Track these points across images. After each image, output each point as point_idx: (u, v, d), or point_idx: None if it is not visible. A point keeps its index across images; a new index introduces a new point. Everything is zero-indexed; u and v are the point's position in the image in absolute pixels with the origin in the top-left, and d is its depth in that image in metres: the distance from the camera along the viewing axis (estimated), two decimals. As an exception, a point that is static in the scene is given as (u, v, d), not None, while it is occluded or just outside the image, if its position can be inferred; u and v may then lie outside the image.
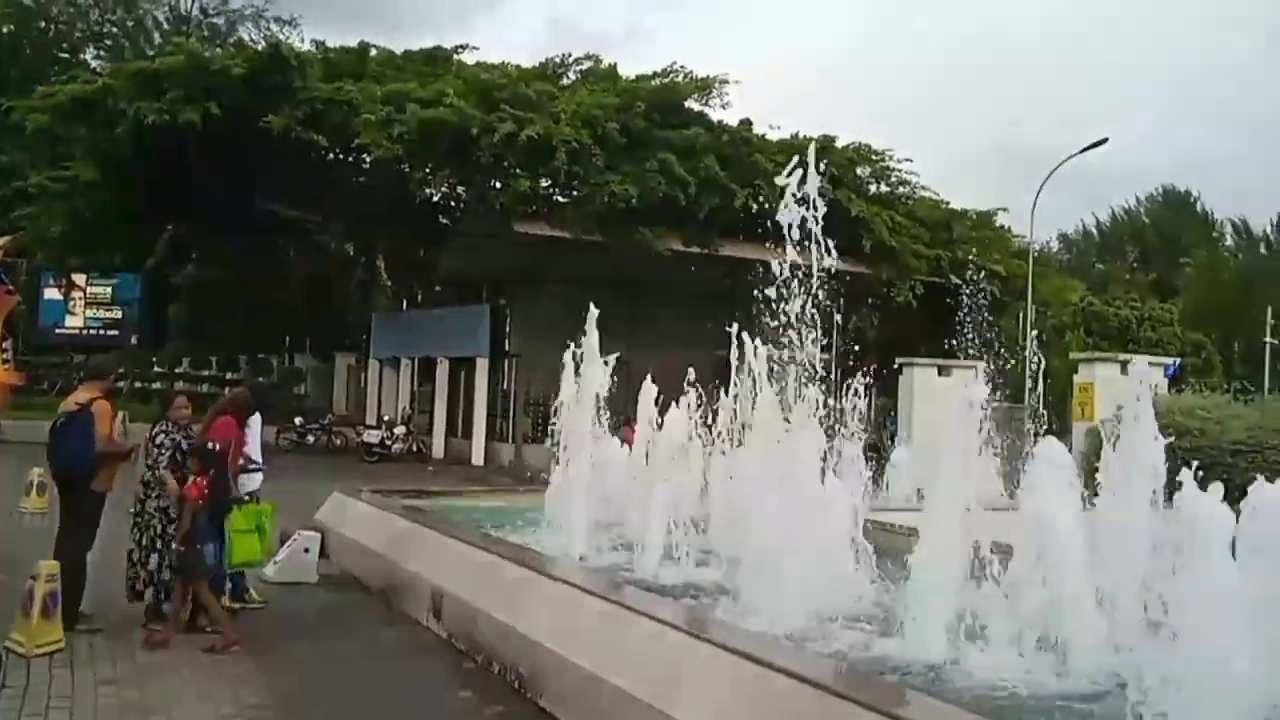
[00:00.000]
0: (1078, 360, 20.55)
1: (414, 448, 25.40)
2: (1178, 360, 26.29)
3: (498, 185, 24.35)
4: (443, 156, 23.63)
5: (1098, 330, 41.58)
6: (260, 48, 26.62)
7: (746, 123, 25.72)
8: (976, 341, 21.86)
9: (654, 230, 23.60)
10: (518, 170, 23.34)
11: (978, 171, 76.19)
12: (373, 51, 26.89)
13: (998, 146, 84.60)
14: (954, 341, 22.86)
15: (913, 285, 26.82)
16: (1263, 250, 70.02)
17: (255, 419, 8.46)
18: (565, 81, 26.99)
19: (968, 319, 21.77)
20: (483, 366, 25.70)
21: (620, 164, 23.40)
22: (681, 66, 26.05)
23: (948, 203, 29.43)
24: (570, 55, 27.73)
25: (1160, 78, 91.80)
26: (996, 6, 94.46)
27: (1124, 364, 20.04)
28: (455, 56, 27.02)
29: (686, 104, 25.57)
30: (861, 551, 6.52)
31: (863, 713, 3.88)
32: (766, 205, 24.33)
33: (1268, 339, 44.53)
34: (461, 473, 22.19)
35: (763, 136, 25.97)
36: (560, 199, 25.13)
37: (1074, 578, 5.13)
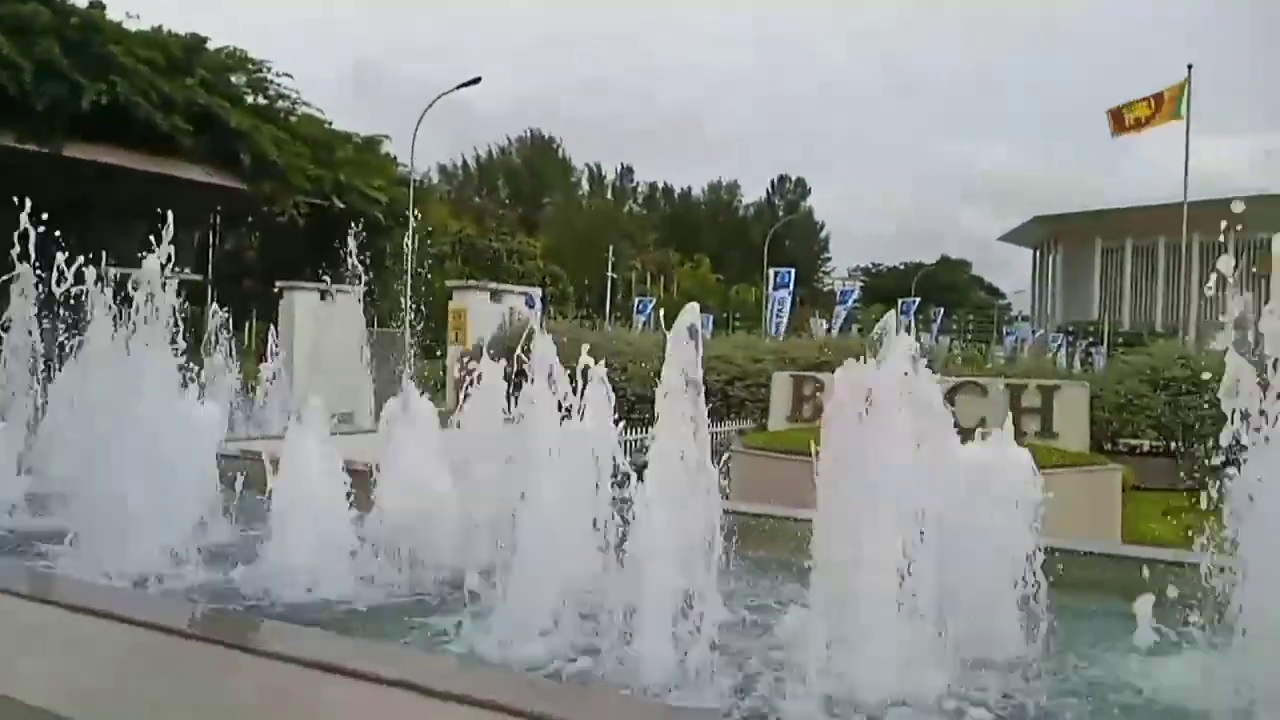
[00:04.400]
0: (453, 288, 21.83)
1: None
2: (540, 291, 29.41)
3: None
4: None
5: (473, 260, 45.02)
6: None
7: (99, 6, 22.30)
8: (359, 267, 22.03)
9: (-24, 120, 19.47)
10: None
11: (359, 96, 76.47)
12: None
13: (379, 73, 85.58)
14: (337, 266, 22.71)
15: (297, 205, 25.92)
16: (610, 196, 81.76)
17: None
18: None
19: (351, 244, 21.79)
20: None
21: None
22: (9, -73, 21.56)
23: (330, 123, 28.87)
24: None
25: (528, 31, 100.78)
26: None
27: (493, 293, 21.88)
28: None
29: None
30: (214, 483, 6.10)
31: (216, 649, 3.66)
32: (123, 102, 21.59)
33: (610, 274, 52.33)
34: None
35: (119, 25, 22.78)
36: None
37: (432, 494, 5.38)
